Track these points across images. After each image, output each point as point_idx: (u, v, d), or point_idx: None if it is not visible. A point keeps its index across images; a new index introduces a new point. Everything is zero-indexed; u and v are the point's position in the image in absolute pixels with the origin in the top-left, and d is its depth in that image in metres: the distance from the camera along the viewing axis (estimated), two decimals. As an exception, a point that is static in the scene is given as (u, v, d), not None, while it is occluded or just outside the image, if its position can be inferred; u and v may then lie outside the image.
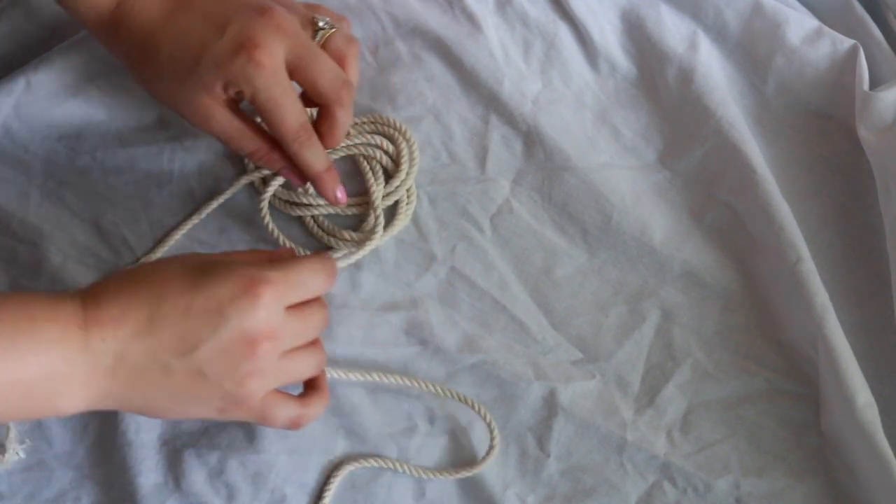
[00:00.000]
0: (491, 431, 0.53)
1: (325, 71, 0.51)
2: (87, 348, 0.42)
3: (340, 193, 0.54)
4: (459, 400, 0.53)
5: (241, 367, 0.44)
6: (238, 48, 0.49)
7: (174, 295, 0.43)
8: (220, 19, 0.50)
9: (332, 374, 0.52)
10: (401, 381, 0.53)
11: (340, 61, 0.55)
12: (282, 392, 0.47)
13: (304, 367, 0.48)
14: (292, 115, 0.51)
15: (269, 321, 0.44)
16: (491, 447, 0.52)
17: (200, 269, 0.45)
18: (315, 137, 0.53)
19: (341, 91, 0.52)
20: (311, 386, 0.50)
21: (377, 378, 0.53)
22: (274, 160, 0.53)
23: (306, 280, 0.47)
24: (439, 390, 0.53)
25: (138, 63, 0.52)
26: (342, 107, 0.52)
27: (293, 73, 0.51)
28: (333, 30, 0.55)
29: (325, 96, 0.52)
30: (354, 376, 0.53)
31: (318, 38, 0.55)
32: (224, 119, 0.52)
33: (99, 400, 0.43)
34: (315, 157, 0.53)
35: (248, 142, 0.53)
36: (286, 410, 0.47)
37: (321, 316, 0.48)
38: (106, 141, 0.59)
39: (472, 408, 0.53)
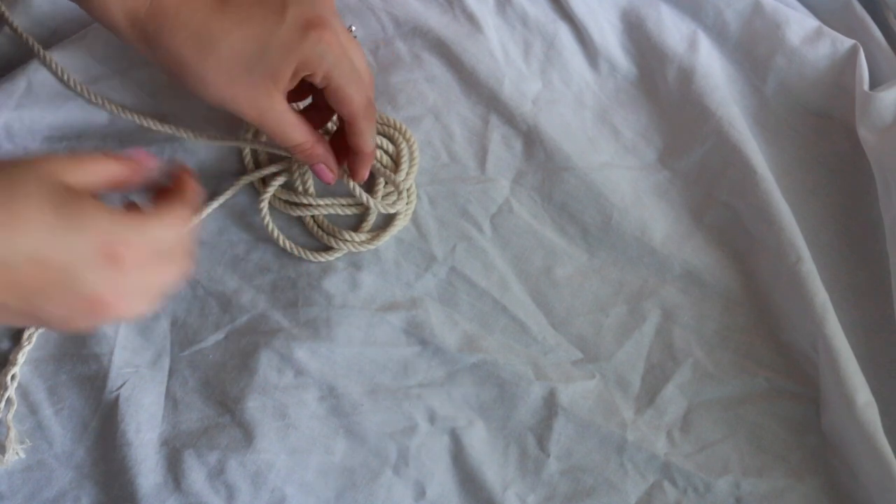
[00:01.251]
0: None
1: (361, 57, 0.53)
2: None
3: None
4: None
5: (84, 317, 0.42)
6: (306, 28, 0.49)
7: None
8: (275, 5, 0.50)
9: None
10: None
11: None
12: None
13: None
14: (360, 91, 0.52)
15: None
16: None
17: (63, 206, 0.41)
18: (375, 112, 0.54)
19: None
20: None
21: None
22: (316, 154, 0.53)
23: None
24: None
25: (192, 60, 0.49)
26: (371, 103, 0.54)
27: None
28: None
29: (366, 72, 0.53)
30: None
31: None
32: (283, 109, 0.51)
33: None
34: (373, 133, 0.54)
35: (300, 134, 0.52)
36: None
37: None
38: (106, 141, 0.59)
39: None
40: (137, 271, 0.42)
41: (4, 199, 0.39)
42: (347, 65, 0.50)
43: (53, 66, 0.60)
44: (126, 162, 0.45)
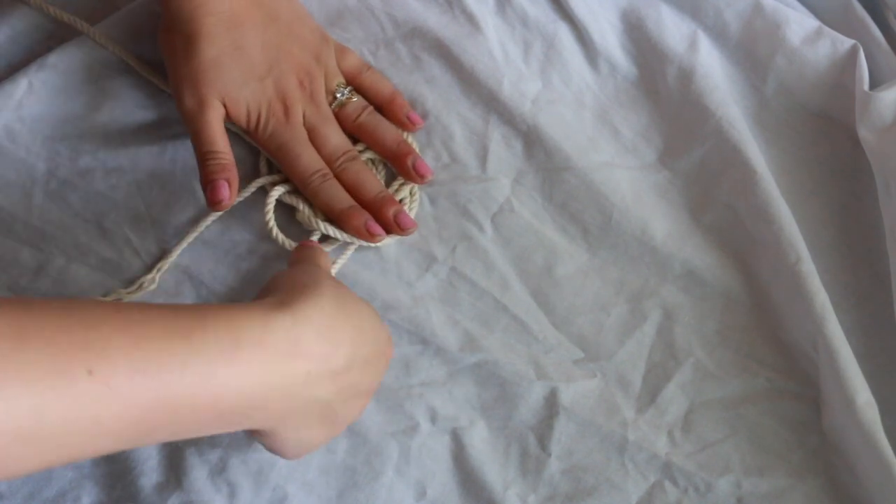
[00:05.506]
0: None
1: (329, 137, 0.58)
2: (287, 376, 0.40)
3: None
4: None
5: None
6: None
7: (365, 344, 0.45)
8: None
9: None
10: None
11: (355, 129, 0.60)
12: None
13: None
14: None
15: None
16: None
17: (378, 320, 0.48)
18: None
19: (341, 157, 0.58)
20: None
21: None
22: (226, 167, 0.56)
23: None
24: None
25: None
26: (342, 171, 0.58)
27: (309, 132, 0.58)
28: (347, 98, 0.60)
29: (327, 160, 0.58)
30: None
31: (333, 105, 0.59)
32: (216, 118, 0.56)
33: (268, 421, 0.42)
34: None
35: (222, 143, 0.56)
36: None
37: None
38: (108, 141, 0.60)
39: None
40: None
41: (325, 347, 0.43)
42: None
43: (97, 37, 0.61)
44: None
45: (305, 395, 0.41)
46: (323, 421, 0.44)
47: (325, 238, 0.57)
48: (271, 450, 0.45)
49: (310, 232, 0.58)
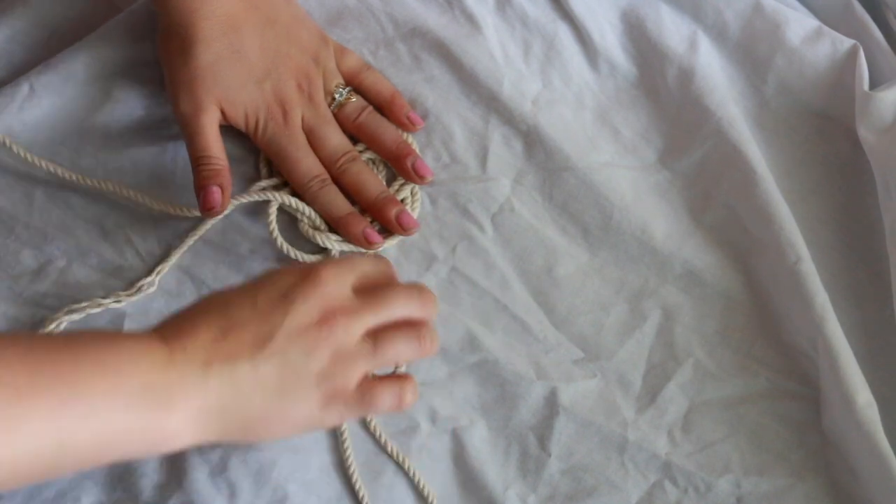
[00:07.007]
0: None
1: (329, 138, 0.58)
2: (172, 361, 0.41)
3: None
4: None
5: (321, 346, 0.43)
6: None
7: (239, 299, 0.44)
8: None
9: None
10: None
11: (355, 130, 0.60)
12: (378, 376, 0.47)
13: (396, 349, 0.46)
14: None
15: (337, 295, 0.44)
16: None
17: (255, 280, 0.46)
18: None
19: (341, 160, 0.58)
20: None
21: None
22: (219, 169, 0.56)
23: (364, 267, 0.47)
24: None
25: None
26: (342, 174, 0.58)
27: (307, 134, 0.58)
28: (346, 99, 0.60)
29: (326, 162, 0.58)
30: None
31: (332, 106, 0.59)
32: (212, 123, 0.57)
33: (200, 425, 0.42)
34: None
35: (216, 147, 0.56)
36: (387, 390, 0.46)
37: (399, 293, 0.47)
38: (109, 142, 0.60)
39: None
40: None
41: None
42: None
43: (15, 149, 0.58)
44: None
45: (201, 372, 0.42)
46: (256, 391, 0.43)
47: (323, 250, 0.57)
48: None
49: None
